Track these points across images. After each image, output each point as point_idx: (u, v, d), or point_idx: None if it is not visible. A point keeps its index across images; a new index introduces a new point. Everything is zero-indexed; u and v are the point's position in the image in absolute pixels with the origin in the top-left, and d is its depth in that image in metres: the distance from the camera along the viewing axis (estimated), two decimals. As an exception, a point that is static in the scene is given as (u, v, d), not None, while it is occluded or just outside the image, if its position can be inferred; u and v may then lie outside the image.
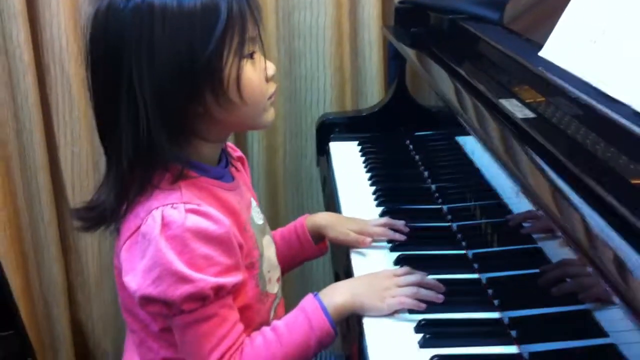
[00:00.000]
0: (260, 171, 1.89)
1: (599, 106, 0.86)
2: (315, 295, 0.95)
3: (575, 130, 0.87)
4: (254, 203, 1.03)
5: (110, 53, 0.84)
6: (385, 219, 1.18)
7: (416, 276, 0.99)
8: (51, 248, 1.81)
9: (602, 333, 0.70)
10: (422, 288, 0.97)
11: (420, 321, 0.93)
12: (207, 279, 0.83)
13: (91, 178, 1.80)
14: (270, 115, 0.94)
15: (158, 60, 0.82)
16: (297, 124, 1.90)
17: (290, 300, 1.08)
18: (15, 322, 1.33)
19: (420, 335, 0.91)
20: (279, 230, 1.18)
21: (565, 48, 1.05)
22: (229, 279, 0.86)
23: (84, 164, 1.79)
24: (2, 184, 1.75)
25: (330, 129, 1.64)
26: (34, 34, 1.69)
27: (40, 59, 1.72)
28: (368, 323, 0.94)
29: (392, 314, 0.95)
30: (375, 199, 1.32)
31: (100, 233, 1.83)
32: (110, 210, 0.89)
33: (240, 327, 0.89)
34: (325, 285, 1.00)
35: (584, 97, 0.90)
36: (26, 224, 1.81)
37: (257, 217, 1.02)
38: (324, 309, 0.93)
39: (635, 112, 0.82)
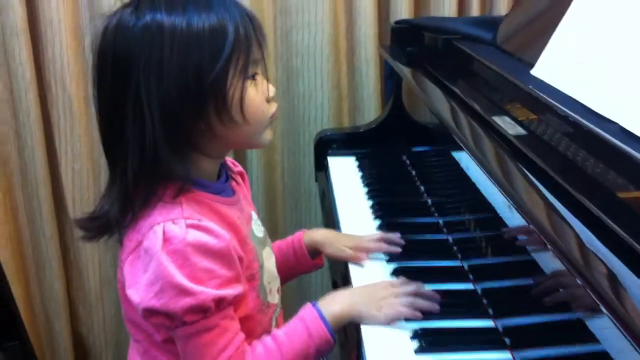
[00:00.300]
0: (260, 187, 1.91)
1: (588, 124, 0.90)
2: (314, 304, 0.98)
3: (565, 147, 0.91)
4: (254, 216, 1.05)
5: (118, 69, 0.86)
6: (379, 234, 1.21)
7: (412, 286, 1.02)
8: (53, 263, 1.83)
9: (595, 340, 0.73)
10: (419, 298, 1.00)
11: (416, 329, 0.96)
12: (208, 292, 0.86)
13: (92, 194, 1.83)
14: (268, 135, 0.97)
15: (166, 79, 0.84)
16: (295, 141, 1.93)
17: (288, 309, 1.10)
18: (19, 333, 1.35)
19: (417, 343, 0.94)
20: (277, 242, 1.20)
21: (555, 67, 1.10)
22: (230, 291, 0.88)
23: (84, 180, 1.82)
24: (4, 200, 1.78)
25: (328, 145, 1.67)
26: (35, 52, 1.72)
27: (42, 77, 1.75)
28: (366, 331, 0.97)
29: (389, 322, 0.98)
30: (373, 213, 1.35)
31: (101, 248, 1.86)
32: (114, 220, 0.91)
33: (241, 337, 0.91)
34: (322, 294, 1.03)
35: (573, 115, 0.94)
36: (27, 240, 1.83)
37: (258, 229, 1.04)
38: (322, 317, 0.95)
39: (621, 129, 0.86)
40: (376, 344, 0.95)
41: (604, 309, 0.64)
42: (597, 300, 0.65)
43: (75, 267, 1.89)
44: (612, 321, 0.62)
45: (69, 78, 1.74)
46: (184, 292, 0.85)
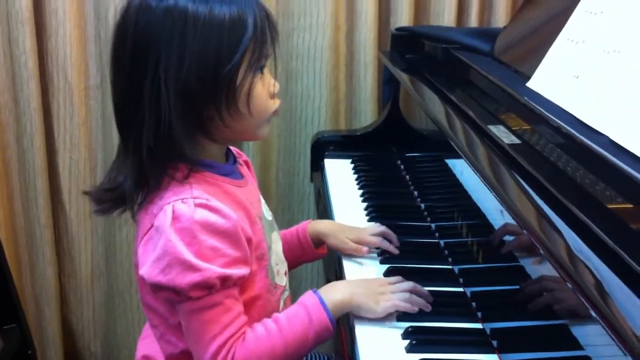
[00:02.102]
0: (254, 186, 1.93)
1: (579, 135, 0.93)
2: (315, 291, 1.00)
3: (557, 157, 0.94)
4: (262, 200, 1.09)
5: (137, 48, 0.89)
6: (382, 228, 1.23)
7: (408, 284, 1.04)
8: (45, 250, 1.85)
9: (578, 346, 0.76)
10: (414, 295, 1.02)
11: (407, 328, 0.98)
12: (214, 269, 0.89)
13: (88, 183, 1.85)
14: (266, 129, 1.00)
15: (186, 64, 0.88)
16: (292, 141, 1.94)
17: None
18: (18, 316, 1.37)
19: (407, 341, 0.96)
20: (282, 232, 1.22)
21: (550, 81, 1.13)
22: (235, 271, 0.91)
23: (81, 170, 1.84)
24: (0, 186, 1.79)
25: (324, 147, 1.70)
26: (39, 42, 1.74)
27: (44, 67, 1.77)
28: (359, 328, 0.99)
29: (382, 320, 1.00)
30: (367, 215, 1.38)
31: (94, 238, 1.87)
32: (128, 194, 0.94)
33: (243, 318, 0.94)
34: (312, 281, 1.04)
35: (565, 126, 0.97)
36: (21, 225, 1.85)
37: (267, 213, 1.08)
38: (323, 304, 0.97)
39: (611, 142, 0.89)
40: (368, 342, 0.97)
41: (589, 310, 0.67)
42: (583, 301, 0.68)
43: (68, 255, 1.91)
44: (596, 323, 0.65)
45: (70, 68, 1.76)
46: (190, 268, 0.88)
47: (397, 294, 1.02)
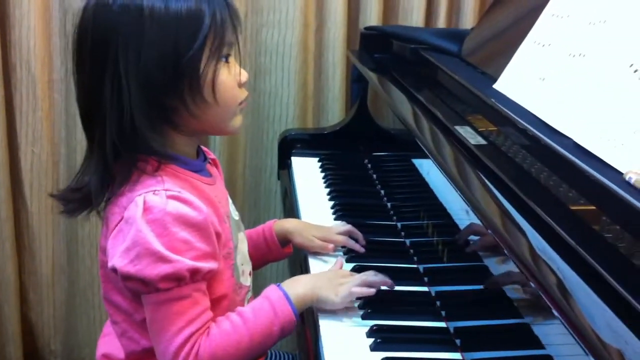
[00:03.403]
0: (220, 182, 1.92)
1: (544, 137, 0.94)
2: (278, 285, 1.01)
3: (522, 158, 0.95)
4: (230, 200, 1.08)
5: (97, 45, 0.90)
6: (348, 226, 1.24)
7: (367, 272, 1.05)
8: (6, 245, 1.81)
9: (539, 345, 0.77)
10: (371, 277, 1.04)
11: (372, 326, 0.99)
12: (184, 261, 0.88)
13: (50, 178, 1.82)
14: (238, 121, 1.00)
15: (144, 56, 0.88)
16: (259, 138, 1.94)
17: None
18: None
19: (372, 340, 0.96)
20: (248, 231, 1.22)
21: (517, 83, 1.14)
22: (205, 265, 0.91)
23: (43, 163, 1.81)
24: (-39, 178, 1.75)
25: (292, 145, 1.70)
26: (2, 33, 1.71)
27: (7, 58, 1.73)
28: (324, 326, 1.00)
29: (347, 318, 1.01)
30: (334, 213, 1.38)
31: (55, 234, 1.83)
32: (95, 193, 0.93)
33: (209, 314, 0.94)
34: (277, 281, 1.05)
35: (531, 128, 0.98)
36: (-19, 221, 1.81)
37: (234, 213, 1.08)
38: (287, 297, 0.98)
39: (575, 144, 0.91)
40: (333, 340, 0.97)
41: (554, 310, 0.67)
42: (545, 300, 0.69)
43: (29, 251, 1.87)
44: (562, 322, 0.66)
45: (34, 60, 1.73)
46: (160, 259, 0.87)
47: (354, 280, 1.03)
